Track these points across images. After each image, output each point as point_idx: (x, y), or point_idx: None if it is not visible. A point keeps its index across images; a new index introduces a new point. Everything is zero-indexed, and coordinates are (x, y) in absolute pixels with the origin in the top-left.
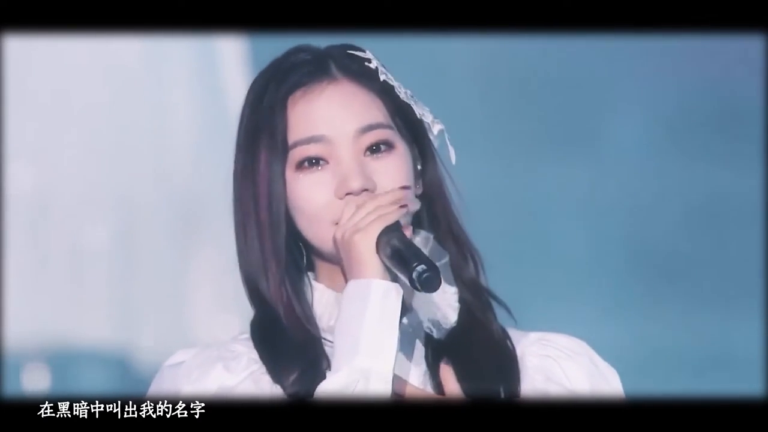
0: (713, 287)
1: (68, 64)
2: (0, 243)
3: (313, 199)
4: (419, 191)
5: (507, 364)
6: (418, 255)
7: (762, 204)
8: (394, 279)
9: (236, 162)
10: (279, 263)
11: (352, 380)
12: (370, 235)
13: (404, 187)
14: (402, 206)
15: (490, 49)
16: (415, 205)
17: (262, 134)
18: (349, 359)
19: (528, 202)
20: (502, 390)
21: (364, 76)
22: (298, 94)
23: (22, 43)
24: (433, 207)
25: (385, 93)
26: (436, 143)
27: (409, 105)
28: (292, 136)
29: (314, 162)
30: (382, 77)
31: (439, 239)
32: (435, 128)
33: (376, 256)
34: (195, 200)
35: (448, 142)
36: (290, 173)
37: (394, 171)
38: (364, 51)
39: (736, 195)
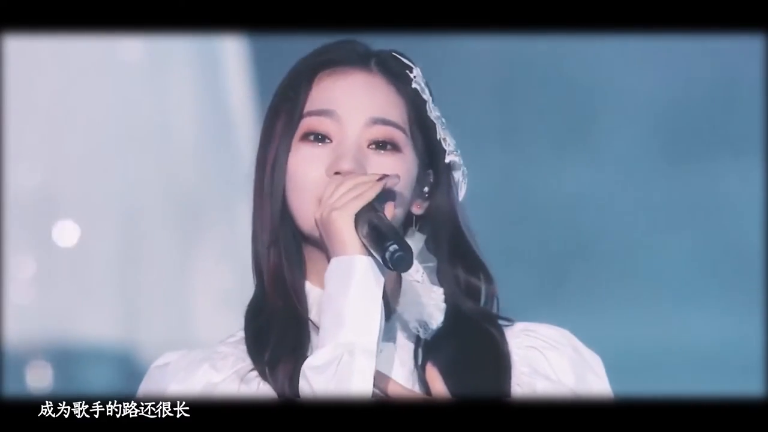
0: (713, 287)
1: (69, 64)
2: (2, 241)
3: (305, 172)
4: (419, 211)
5: (499, 365)
6: (392, 234)
7: (762, 203)
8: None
9: (260, 135)
10: (272, 230)
11: (336, 354)
12: (348, 212)
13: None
14: (379, 180)
15: (487, 50)
16: (393, 180)
17: (286, 103)
18: (334, 335)
19: (527, 200)
20: (491, 390)
21: (398, 77)
22: (327, 71)
23: (22, 43)
24: (438, 232)
25: (413, 101)
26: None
27: (435, 124)
28: (308, 107)
29: (319, 137)
30: (414, 85)
31: (443, 263)
32: (447, 158)
33: (355, 233)
34: (197, 198)
35: (460, 179)
36: (294, 142)
37: (390, 171)
38: (409, 59)
39: (736, 194)
